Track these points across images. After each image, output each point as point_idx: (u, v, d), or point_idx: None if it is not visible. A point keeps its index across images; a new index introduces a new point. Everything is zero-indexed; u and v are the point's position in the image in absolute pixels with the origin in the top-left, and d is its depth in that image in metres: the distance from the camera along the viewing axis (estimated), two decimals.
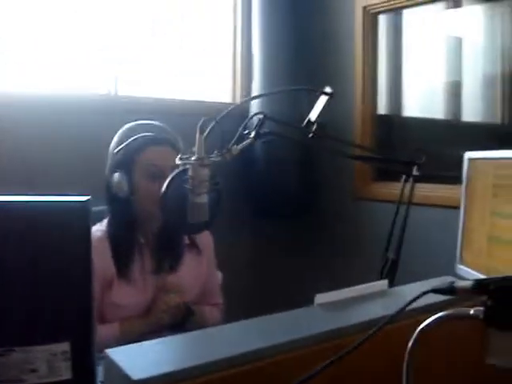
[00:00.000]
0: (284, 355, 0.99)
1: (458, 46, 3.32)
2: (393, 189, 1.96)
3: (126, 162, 1.82)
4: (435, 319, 0.94)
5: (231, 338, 1.07)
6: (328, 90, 1.59)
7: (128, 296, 1.78)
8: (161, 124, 1.94)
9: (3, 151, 2.51)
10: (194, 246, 1.94)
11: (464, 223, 1.73)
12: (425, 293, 0.96)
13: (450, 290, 0.94)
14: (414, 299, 0.95)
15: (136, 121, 1.94)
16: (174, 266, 1.88)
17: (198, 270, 1.96)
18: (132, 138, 1.85)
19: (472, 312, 0.94)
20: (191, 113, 3.02)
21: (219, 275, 2.08)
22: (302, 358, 0.99)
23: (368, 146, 2.80)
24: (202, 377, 0.89)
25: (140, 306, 1.80)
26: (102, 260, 1.74)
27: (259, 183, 3.15)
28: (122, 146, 1.84)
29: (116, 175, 1.80)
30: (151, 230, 1.87)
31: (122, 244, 1.82)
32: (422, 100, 3.41)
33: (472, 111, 3.29)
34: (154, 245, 1.87)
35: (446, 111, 3.35)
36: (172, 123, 2.39)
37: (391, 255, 1.81)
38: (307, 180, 3.21)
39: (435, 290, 0.94)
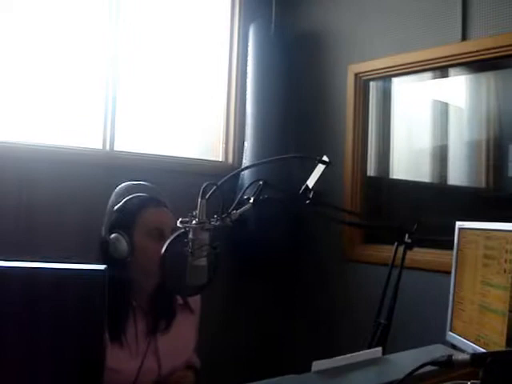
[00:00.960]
0: None
1: (444, 111, 3.43)
2: (382, 251, 2.01)
3: (125, 222, 1.82)
4: None
5: None
6: (325, 158, 1.65)
7: (121, 360, 1.76)
8: (153, 185, 1.98)
9: None
10: (186, 306, 1.95)
11: (455, 291, 1.77)
12: (424, 365, 0.99)
13: (447, 363, 0.97)
14: (414, 370, 0.98)
15: (130, 177, 1.98)
16: (167, 327, 1.88)
17: (190, 328, 1.96)
18: (130, 197, 1.87)
19: None
20: (185, 170, 3.10)
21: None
22: None
23: (360, 212, 2.85)
24: None
25: (133, 370, 1.78)
26: None
27: (249, 243, 3.17)
28: (120, 204, 1.85)
29: (115, 235, 1.80)
30: (146, 291, 1.87)
31: (115, 308, 1.80)
32: (409, 163, 3.49)
33: (458, 174, 3.36)
34: (147, 306, 1.87)
35: (432, 174, 3.42)
36: (166, 180, 2.44)
37: (382, 320, 1.84)
38: (297, 240, 3.24)
39: (434, 363, 0.98)
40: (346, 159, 3.28)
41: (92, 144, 2.97)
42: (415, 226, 1.83)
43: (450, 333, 1.76)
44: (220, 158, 3.50)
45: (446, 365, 0.97)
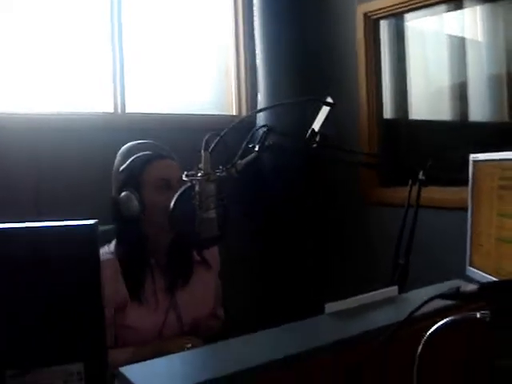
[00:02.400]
0: (298, 365, 1.00)
1: (461, 46, 3.33)
2: (401, 193, 1.96)
3: (132, 180, 1.83)
4: (443, 324, 0.95)
5: (246, 351, 1.09)
6: (329, 100, 1.61)
7: (141, 318, 1.78)
8: (158, 143, 1.98)
9: (11, 173, 2.54)
10: (203, 261, 1.96)
11: (472, 225, 1.74)
12: (432, 298, 0.97)
13: (455, 295, 0.95)
14: (420, 306, 0.96)
15: (144, 138, 1.98)
16: (185, 283, 1.89)
17: (209, 284, 1.97)
18: (135, 156, 1.88)
19: (478, 316, 0.95)
20: (198, 127, 3.06)
21: (219, 282, 2.09)
22: (315, 368, 1.01)
23: (371, 153, 2.79)
24: None
25: (154, 326, 1.80)
26: (113, 283, 1.74)
27: (266, 193, 3.16)
28: (126, 164, 1.85)
29: (124, 194, 1.80)
30: (162, 247, 1.88)
31: (133, 266, 1.81)
32: (428, 103, 3.41)
33: (479, 112, 3.28)
34: (164, 263, 1.88)
35: (452, 113, 3.35)
36: (179, 138, 2.42)
37: (401, 260, 1.82)
38: (315, 188, 3.21)
39: (442, 296, 0.96)
40: (361, 102, 3.21)
41: (103, 108, 2.96)
42: (429, 163, 1.79)
43: (470, 268, 1.74)
44: (233, 112, 3.46)
45: (454, 297, 0.95)
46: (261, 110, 2.49)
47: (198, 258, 1.94)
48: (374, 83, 3.21)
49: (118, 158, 1.88)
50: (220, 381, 0.92)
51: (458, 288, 0.95)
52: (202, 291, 1.93)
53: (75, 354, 0.89)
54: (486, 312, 0.94)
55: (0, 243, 0.86)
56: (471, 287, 0.94)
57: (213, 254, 1.98)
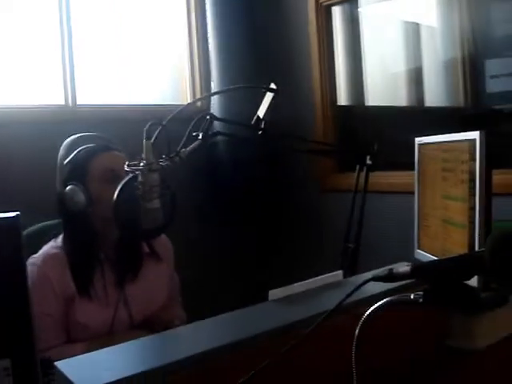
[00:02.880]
0: (236, 353, 1.00)
1: (416, 32, 3.35)
2: (353, 179, 1.97)
3: (78, 173, 1.78)
4: (378, 306, 0.95)
5: (186, 340, 1.08)
6: (272, 86, 1.60)
7: (91, 313, 1.75)
8: (103, 135, 1.94)
9: None
10: (153, 253, 1.93)
11: (419, 208, 1.75)
12: (366, 281, 0.97)
13: (389, 276, 0.95)
14: (354, 290, 0.96)
15: (97, 130, 1.95)
16: (135, 277, 1.86)
17: (160, 277, 1.94)
18: (79, 148, 1.84)
19: (412, 297, 0.95)
20: (150, 118, 3.03)
21: (176, 277, 2.07)
22: (254, 355, 1.00)
23: (319, 141, 2.79)
24: (154, 381, 0.89)
25: (104, 321, 1.77)
26: (60, 278, 1.70)
27: (222, 184, 3.14)
28: (71, 157, 1.81)
29: (69, 188, 1.76)
30: (110, 241, 1.84)
31: (81, 260, 1.77)
32: (383, 88, 3.43)
33: (435, 95, 3.31)
34: (113, 256, 1.85)
35: (409, 97, 3.37)
36: (131, 130, 2.38)
37: (351, 245, 1.83)
38: (270, 177, 3.21)
39: (375, 278, 0.96)
40: (314, 89, 3.21)
41: (54, 100, 2.90)
42: (375, 148, 1.80)
43: (418, 250, 1.75)
44: (188, 101, 3.42)
45: (388, 279, 0.95)
46: (201, 99, 2.47)
47: (147, 250, 1.92)
48: (327, 70, 3.20)
49: (62, 150, 1.83)
50: (155, 372, 0.91)
51: (391, 269, 0.95)
52: (152, 285, 1.90)
53: (1, 351, 0.86)
54: (419, 293, 0.94)
55: None
56: (404, 268, 0.94)
57: (164, 245, 1.96)
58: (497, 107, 2.85)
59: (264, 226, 3.21)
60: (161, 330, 1.79)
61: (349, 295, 0.96)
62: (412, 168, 1.90)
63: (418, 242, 1.75)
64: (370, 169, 1.80)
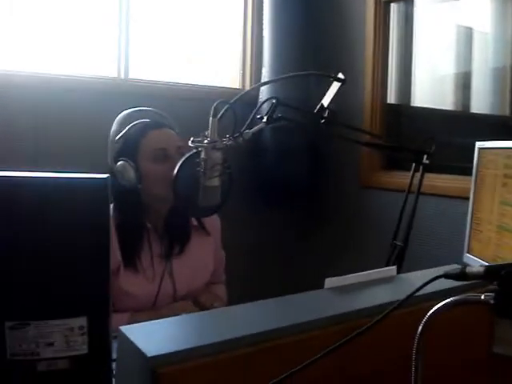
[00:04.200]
0: (297, 336, 1.00)
1: (468, 36, 3.31)
2: (401, 178, 1.97)
3: (129, 149, 1.80)
4: (445, 304, 0.95)
5: (245, 318, 1.08)
6: (340, 76, 1.60)
7: (137, 284, 1.77)
8: (157, 110, 1.94)
9: (13, 130, 2.52)
10: (201, 227, 1.95)
11: (473, 212, 1.74)
12: (437, 277, 0.96)
13: (461, 275, 0.95)
14: (426, 283, 0.95)
15: (146, 105, 1.95)
16: (182, 250, 1.88)
17: (206, 252, 1.96)
18: (131, 125, 1.85)
19: (482, 297, 0.95)
20: (201, 98, 3.05)
21: (223, 255, 2.08)
22: (313, 340, 1.00)
23: (379, 134, 2.78)
24: (216, 355, 0.90)
25: (148, 293, 1.79)
26: None
27: (267, 171, 3.15)
28: (122, 133, 1.82)
29: (120, 164, 1.77)
30: (160, 214, 1.86)
31: (129, 233, 1.80)
32: (431, 90, 3.40)
33: (481, 102, 3.28)
34: (162, 229, 1.87)
35: (455, 102, 3.34)
36: (181, 108, 2.40)
37: (399, 242, 1.82)
38: (316, 168, 3.21)
39: (447, 275, 0.95)
40: (366, 85, 3.20)
41: (107, 72, 2.93)
42: (433, 147, 1.79)
43: (467, 254, 1.74)
44: (237, 85, 3.43)
45: (459, 277, 0.95)
46: (267, 83, 2.48)
47: (195, 223, 1.93)
48: (381, 67, 3.18)
49: (115, 125, 1.84)
50: (222, 344, 0.92)
51: (463, 268, 0.95)
52: (198, 259, 1.91)
53: (78, 308, 0.88)
54: (491, 294, 0.94)
55: (8, 191, 0.84)
56: (478, 268, 0.94)
57: (212, 221, 1.97)
58: None
59: (303, 216, 3.22)
60: (205, 307, 1.82)
61: (421, 287, 0.95)
62: (460, 172, 1.89)
63: (469, 247, 1.75)
64: (426, 169, 1.79)
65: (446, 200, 2.68)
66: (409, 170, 1.86)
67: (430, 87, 3.43)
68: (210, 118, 1.47)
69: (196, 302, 1.85)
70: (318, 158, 3.19)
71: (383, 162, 3.13)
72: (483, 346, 1.36)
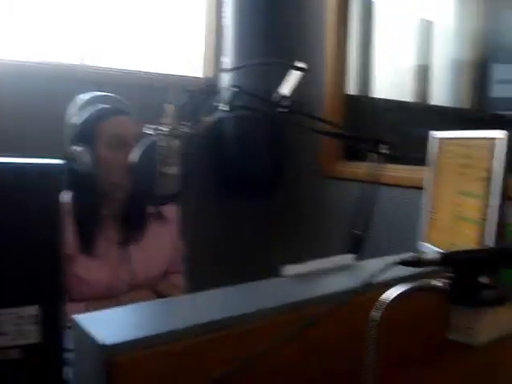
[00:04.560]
0: (251, 325, 0.99)
1: (428, 29, 3.35)
2: (360, 168, 1.97)
3: (86, 135, 1.77)
4: (401, 291, 0.96)
5: (201, 306, 1.08)
6: (301, 64, 1.60)
7: (92, 271, 1.75)
8: (116, 96, 1.92)
9: None
10: (159, 216, 1.93)
11: (429, 202, 1.76)
12: (392, 265, 0.97)
13: (417, 261, 0.96)
14: (383, 270, 0.96)
15: (102, 91, 1.92)
16: (139, 238, 1.86)
17: (164, 240, 1.95)
18: (88, 110, 1.82)
19: (438, 284, 0.96)
20: (160, 86, 3.01)
21: (181, 244, 2.07)
22: (267, 328, 1.00)
23: (340, 124, 2.80)
24: (171, 343, 0.89)
25: (106, 280, 1.78)
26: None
27: (231, 162, 3.13)
28: (79, 118, 1.79)
29: (77, 149, 1.75)
30: (117, 201, 1.84)
31: (85, 219, 1.77)
32: (391, 82, 3.44)
33: (440, 94, 3.33)
34: (120, 216, 1.85)
35: (414, 94, 3.38)
36: (139, 95, 2.37)
37: (358, 231, 1.83)
38: (278, 159, 3.21)
39: (403, 262, 0.96)
40: (327, 74, 3.20)
41: (65, 59, 2.88)
42: (391, 138, 1.80)
43: (423, 243, 1.76)
44: (197, 74, 3.40)
45: (415, 264, 0.96)
46: (227, 71, 2.46)
47: (154, 211, 1.91)
48: (341, 57, 3.20)
49: (71, 108, 1.81)
50: (176, 333, 0.91)
51: (419, 255, 0.96)
52: (155, 247, 1.90)
53: (29, 297, 0.86)
54: (446, 281, 0.95)
55: None
56: (433, 255, 0.95)
57: (171, 210, 1.96)
58: (500, 113, 2.87)
59: (265, 207, 3.22)
60: (162, 296, 1.81)
61: (377, 275, 0.96)
62: (417, 163, 1.90)
63: (424, 235, 1.77)
64: (384, 159, 1.80)
65: (403, 190, 2.71)
66: (370, 160, 1.87)
67: (391, 79, 3.46)
68: (169, 106, 1.45)
69: (153, 290, 1.84)
70: (281, 148, 3.19)
71: (345, 152, 3.15)
72: (438, 332, 1.38)
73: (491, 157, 1.41)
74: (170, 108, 1.45)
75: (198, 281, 2.03)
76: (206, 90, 1.57)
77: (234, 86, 1.56)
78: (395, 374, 1.14)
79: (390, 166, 2.02)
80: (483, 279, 1.41)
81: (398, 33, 3.36)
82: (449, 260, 0.93)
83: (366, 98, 3.37)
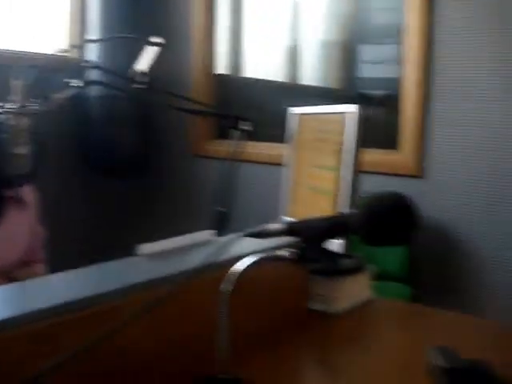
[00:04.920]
0: (102, 306, 0.97)
1: (298, 10, 3.40)
2: (224, 146, 1.98)
3: None
4: (248, 263, 0.96)
5: (51, 289, 1.04)
6: (158, 40, 1.57)
7: None
8: None
9: None
10: (17, 199, 1.84)
11: (289, 176, 1.79)
12: (237, 238, 0.98)
13: (262, 233, 0.97)
14: (228, 245, 0.97)
15: None
16: None
17: (22, 225, 1.86)
18: None
19: (285, 254, 0.98)
20: (4, 63, 2.84)
21: (41, 230, 1.99)
22: (117, 309, 0.98)
23: (201, 101, 2.79)
24: (22, 327, 0.85)
25: None
26: None
27: (95, 141, 3.04)
28: None
29: None
30: None
31: None
32: (261, 62, 3.46)
33: (311, 75, 3.39)
34: None
35: (284, 73, 3.43)
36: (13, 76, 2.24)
37: (222, 208, 1.84)
38: (147, 138, 3.16)
39: (248, 235, 0.97)
40: (195, 53, 3.19)
41: None
42: (258, 116, 1.82)
43: (284, 217, 1.79)
44: (51, 50, 3.24)
45: (261, 235, 0.97)
46: (78, 46, 2.36)
47: (10, 194, 1.81)
48: (209, 37, 3.19)
49: None
50: (22, 317, 0.87)
51: (264, 226, 0.97)
52: (13, 232, 1.81)
53: None
54: (294, 251, 0.97)
55: None
56: (278, 225, 0.97)
57: (29, 194, 1.87)
58: (366, 92, 2.99)
59: (134, 187, 3.17)
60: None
61: (222, 249, 0.96)
62: (280, 140, 1.93)
63: (286, 210, 1.80)
64: (246, 136, 1.81)
65: (268, 166, 2.76)
66: (246, 140, 1.87)
67: (261, 58, 3.49)
68: (17, 82, 1.38)
69: (11, 278, 1.75)
70: (150, 127, 3.14)
71: (216, 131, 3.15)
72: (299, 303, 1.42)
73: (343, 130, 1.46)
74: (17, 85, 1.37)
75: (60, 266, 1.97)
76: (56, 66, 1.49)
77: (87, 62, 1.50)
78: (254, 350, 1.15)
79: (253, 143, 2.05)
80: (341, 249, 1.47)
81: (270, 14, 3.38)
82: (293, 230, 0.95)
83: (236, 77, 3.39)
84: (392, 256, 2.53)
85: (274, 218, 1.87)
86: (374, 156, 2.64)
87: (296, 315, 1.39)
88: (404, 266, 2.57)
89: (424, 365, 1.05)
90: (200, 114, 2.16)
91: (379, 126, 2.81)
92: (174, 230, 3.05)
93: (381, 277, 2.29)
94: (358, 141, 1.47)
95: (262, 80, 3.41)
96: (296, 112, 1.76)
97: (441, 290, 2.60)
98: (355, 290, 1.53)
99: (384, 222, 0.87)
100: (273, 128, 2.67)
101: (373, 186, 1.96)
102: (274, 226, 0.96)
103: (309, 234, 0.93)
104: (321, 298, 1.44)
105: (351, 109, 1.46)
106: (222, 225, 1.82)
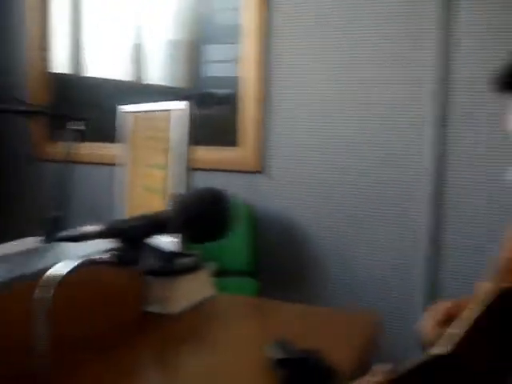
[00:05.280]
0: None
1: (144, 9, 3.34)
2: (59, 148, 1.91)
3: None
4: (71, 269, 0.92)
5: None
6: None
7: None
8: None
9: None
10: None
11: (124, 176, 1.76)
12: (48, 242, 0.94)
13: (78, 236, 0.94)
14: (43, 253, 0.93)
15: None
16: None
17: None
18: None
19: (104, 257, 0.95)
20: None
21: None
22: None
23: (34, 102, 2.67)
24: None
25: None
26: None
27: None
28: None
29: None
30: None
31: None
32: (104, 61, 3.38)
33: (158, 74, 3.36)
34: None
35: (129, 73, 3.37)
36: None
37: (54, 212, 1.77)
38: None
39: (62, 238, 0.94)
40: (30, 52, 3.04)
41: None
42: (82, 115, 1.76)
43: (120, 217, 1.76)
44: None
45: (77, 238, 0.94)
46: None
47: None
48: (44, 34, 3.06)
49: None
50: None
51: (80, 229, 0.94)
52: None
53: None
54: (114, 253, 0.94)
55: None
56: (95, 227, 0.94)
57: None
58: (210, 90, 3.01)
59: None
60: None
61: (34, 260, 0.92)
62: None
63: (121, 210, 1.76)
64: (80, 136, 1.75)
65: (104, 167, 2.70)
66: (80, 140, 1.80)
67: (105, 57, 3.40)
68: None
69: None
70: None
71: (54, 133, 3.04)
72: (134, 306, 1.39)
73: (169, 128, 1.44)
74: None
75: None
76: None
77: None
78: (88, 355, 1.11)
79: (89, 144, 1.98)
80: (177, 248, 1.46)
81: (116, 13, 3.30)
82: (111, 231, 0.93)
83: (75, 76, 3.28)
84: (237, 251, 2.57)
85: (109, 219, 1.83)
86: (216, 153, 2.67)
87: (131, 318, 1.36)
88: (250, 260, 2.61)
89: (265, 359, 1.07)
90: (30, 115, 2.05)
91: (221, 123, 2.85)
92: (7, 236, 2.91)
93: (227, 273, 2.33)
94: (188, 138, 1.46)
95: (102, 79, 3.33)
96: (127, 110, 1.73)
97: (286, 282, 2.68)
98: (193, 289, 1.52)
99: (197, 218, 0.88)
100: (111, 127, 2.62)
101: (213, 183, 1.98)
102: (91, 229, 0.94)
103: (127, 234, 0.91)
104: (157, 300, 1.42)
105: (178, 106, 1.45)
106: (56, 229, 1.75)
